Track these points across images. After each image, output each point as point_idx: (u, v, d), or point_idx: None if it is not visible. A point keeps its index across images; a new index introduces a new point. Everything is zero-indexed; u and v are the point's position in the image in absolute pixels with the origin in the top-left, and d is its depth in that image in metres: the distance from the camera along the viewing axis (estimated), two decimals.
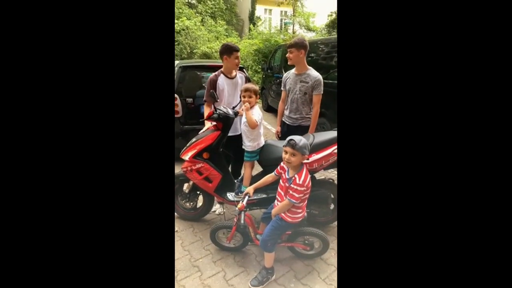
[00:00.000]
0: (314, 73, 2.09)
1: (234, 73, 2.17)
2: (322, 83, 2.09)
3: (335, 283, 1.55)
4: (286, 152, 1.37)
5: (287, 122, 2.23)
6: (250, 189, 1.56)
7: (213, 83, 2.11)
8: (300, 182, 1.35)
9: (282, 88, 2.26)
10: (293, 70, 2.17)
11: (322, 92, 2.10)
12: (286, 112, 2.22)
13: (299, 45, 1.98)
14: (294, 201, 1.37)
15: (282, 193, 1.47)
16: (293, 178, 1.38)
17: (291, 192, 1.38)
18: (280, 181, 1.51)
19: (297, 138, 1.36)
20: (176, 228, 2.02)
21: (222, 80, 2.11)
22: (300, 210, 1.46)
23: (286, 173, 1.46)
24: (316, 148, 1.77)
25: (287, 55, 2.05)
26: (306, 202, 1.48)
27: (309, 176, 1.41)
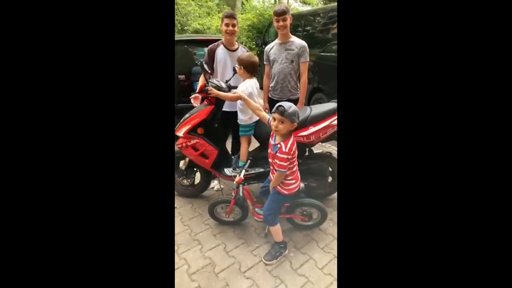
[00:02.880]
0: (298, 40, 2.02)
1: (236, 46, 2.07)
2: (308, 50, 2.01)
3: (333, 251, 1.59)
4: (274, 119, 1.32)
5: (274, 98, 2.13)
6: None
7: (211, 53, 2.03)
8: (286, 150, 1.32)
9: (265, 62, 2.15)
10: (276, 40, 2.08)
11: (308, 60, 2.03)
12: (272, 85, 2.12)
13: (289, 11, 1.93)
14: (283, 170, 1.35)
15: (270, 160, 1.45)
16: (279, 146, 1.34)
17: (278, 161, 1.34)
18: (268, 148, 1.47)
19: (286, 104, 1.30)
20: (175, 205, 2.02)
21: (221, 51, 2.03)
22: (294, 181, 1.45)
23: (273, 139, 1.42)
24: (313, 120, 1.73)
25: (279, 23, 1.94)
26: (296, 169, 1.45)
27: (295, 144, 1.37)
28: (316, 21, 3.82)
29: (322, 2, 9.84)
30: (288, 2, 10.98)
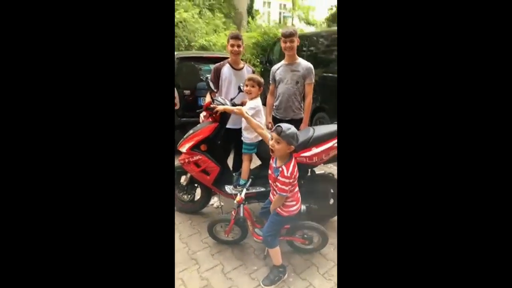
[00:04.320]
0: (304, 62, 2.06)
1: (241, 65, 2.12)
2: (313, 72, 2.06)
3: (334, 278, 1.54)
4: (272, 139, 1.32)
5: (278, 117, 2.15)
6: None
7: (217, 72, 2.07)
8: (288, 174, 1.30)
9: (270, 81, 2.18)
10: (282, 62, 2.12)
11: (313, 81, 2.07)
12: (276, 104, 2.14)
13: (296, 33, 1.98)
14: (285, 194, 1.33)
15: (271, 182, 1.43)
16: (281, 169, 1.32)
17: (279, 185, 1.33)
18: (269, 169, 1.45)
19: (285, 125, 1.30)
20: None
21: (227, 70, 2.07)
22: (294, 202, 1.43)
23: (274, 161, 1.41)
24: (316, 141, 1.74)
25: (286, 44, 1.97)
26: (297, 190, 1.44)
27: (296, 167, 1.36)
28: (320, 42, 3.93)
29: (325, 23, 10.15)
30: (292, 23, 11.34)
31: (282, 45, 2.01)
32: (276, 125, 1.32)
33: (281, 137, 1.27)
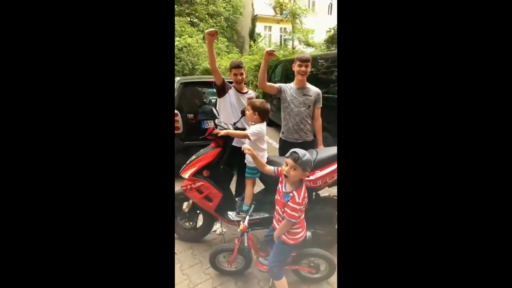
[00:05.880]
0: (314, 87, 2.12)
1: (245, 89, 2.16)
2: (321, 96, 2.12)
3: None
4: (287, 165, 1.28)
5: (289, 140, 2.15)
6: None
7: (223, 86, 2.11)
8: (300, 201, 1.26)
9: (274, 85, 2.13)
10: (292, 84, 2.13)
11: (321, 106, 2.14)
12: (289, 126, 2.13)
13: (310, 60, 2.04)
14: (294, 220, 1.29)
15: (278, 208, 1.39)
16: (292, 195, 1.28)
17: (289, 211, 1.28)
18: (276, 194, 1.41)
19: (301, 152, 1.26)
20: (175, 250, 1.93)
21: (232, 94, 2.12)
22: (300, 229, 1.38)
23: (283, 186, 1.37)
24: (320, 164, 1.71)
25: (301, 68, 1.99)
26: (303, 217, 1.39)
27: (306, 192, 1.32)
28: (320, 63, 4.02)
29: (324, 45, 10.44)
30: (292, 45, 11.71)
31: (297, 68, 2.02)
32: (291, 151, 1.29)
33: (297, 164, 1.24)
